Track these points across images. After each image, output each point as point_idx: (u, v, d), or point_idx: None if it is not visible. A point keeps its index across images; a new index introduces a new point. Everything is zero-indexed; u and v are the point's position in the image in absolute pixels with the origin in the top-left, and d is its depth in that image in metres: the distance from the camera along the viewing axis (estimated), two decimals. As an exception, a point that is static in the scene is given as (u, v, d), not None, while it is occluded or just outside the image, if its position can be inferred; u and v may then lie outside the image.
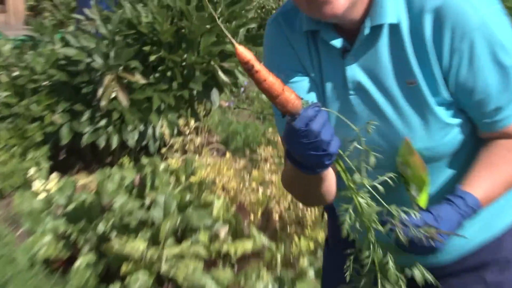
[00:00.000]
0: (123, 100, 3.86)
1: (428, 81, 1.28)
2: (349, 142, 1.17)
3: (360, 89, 1.31)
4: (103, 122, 3.98)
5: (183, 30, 4.02)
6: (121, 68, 3.92)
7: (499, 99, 1.26)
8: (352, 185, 1.18)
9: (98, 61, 3.91)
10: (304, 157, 1.13)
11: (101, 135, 3.99)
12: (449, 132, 1.29)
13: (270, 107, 4.95)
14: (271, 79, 1.09)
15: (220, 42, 3.99)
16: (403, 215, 1.17)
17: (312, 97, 1.34)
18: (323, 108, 1.12)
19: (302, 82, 1.35)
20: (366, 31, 1.27)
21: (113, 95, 3.88)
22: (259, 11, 6.35)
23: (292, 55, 1.35)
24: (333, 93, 1.32)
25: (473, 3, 1.24)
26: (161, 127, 4.00)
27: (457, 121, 1.30)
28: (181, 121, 3.88)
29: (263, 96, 5.01)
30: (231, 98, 5.05)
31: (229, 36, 1.08)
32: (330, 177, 1.28)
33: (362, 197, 1.17)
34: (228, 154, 3.55)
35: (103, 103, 3.83)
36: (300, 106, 1.11)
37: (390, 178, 1.18)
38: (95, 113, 3.99)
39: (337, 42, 1.31)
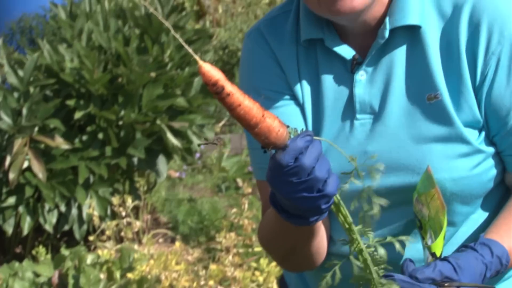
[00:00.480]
0: (39, 171, 3.92)
1: (454, 95, 1.36)
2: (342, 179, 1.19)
3: (370, 111, 1.39)
4: (11, 201, 4.00)
5: (119, 79, 4.15)
6: (36, 129, 3.99)
7: None
8: (356, 237, 1.21)
9: (5, 120, 3.97)
10: (294, 201, 1.16)
11: (9, 217, 4.01)
12: (480, 162, 1.37)
13: (233, 179, 5.10)
14: (248, 104, 1.11)
15: (168, 94, 4.13)
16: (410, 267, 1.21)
17: (299, 125, 1.39)
18: (316, 138, 1.16)
19: (287, 107, 1.43)
20: (386, 34, 1.37)
21: (26, 164, 3.93)
22: (220, 52, 6.55)
23: (276, 72, 1.45)
24: (331, 116, 1.40)
25: None
26: (89, 206, 4.04)
27: (489, 149, 1.37)
28: (116, 199, 3.94)
29: (225, 164, 5.17)
30: (183, 167, 5.18)
31: (190, 50, 1.10)
32: (322, 231, 1.35)
33: (369, 252, 1.20)
34: (178, 243, 3.60)
35: (11, 175, 3.87)
36: (287, 135, 1.14)
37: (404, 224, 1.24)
38: (1, 188, 4.02)
39: (347, 52, 1.40)
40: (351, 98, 1.40)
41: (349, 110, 1.40)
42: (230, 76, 6.26)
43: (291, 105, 1.44)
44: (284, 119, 1.25)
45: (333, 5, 1.31)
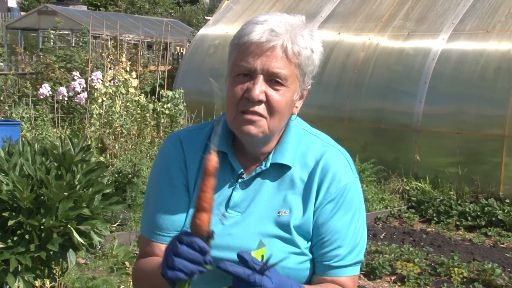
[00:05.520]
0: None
1: (303, 215, 1.63)
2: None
3: (238, 210, 1.65)
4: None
5: (42, 197, 4.15)
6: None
7: (341, 247, 1.64)
8: None
9: None
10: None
11: None
12: (303, 262, 1.64)
13: (122, 262, 5.29)
14: (210, 194, 1.37)
15: (77, 207, 4.43)
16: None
17: (182, 209, 1.67)
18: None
19: (179, 195, 1.69)
20: (268, 164, 1.65)
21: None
22: (116, 175, 6.85)
23: (181, 168, 1.71)
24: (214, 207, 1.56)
25: (351, 166, 1.70)
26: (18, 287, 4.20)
27: (310, 255, 1.65)
28: (38, 282, 4.19)
29: (117, 252, 5.63)
30: (88, 256, 5.53)
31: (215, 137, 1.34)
32: None
33: None
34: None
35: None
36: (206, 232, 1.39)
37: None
38: None
39: (238, 168, 1.67)
40: (229, 198, 1.68)
41: (226, 205, 1.68)
42: (122, 191, 6.85)
43: (181, 195, 1.70)
44: (174, 203, 1.62)
45: (240, 127, 1.59)
